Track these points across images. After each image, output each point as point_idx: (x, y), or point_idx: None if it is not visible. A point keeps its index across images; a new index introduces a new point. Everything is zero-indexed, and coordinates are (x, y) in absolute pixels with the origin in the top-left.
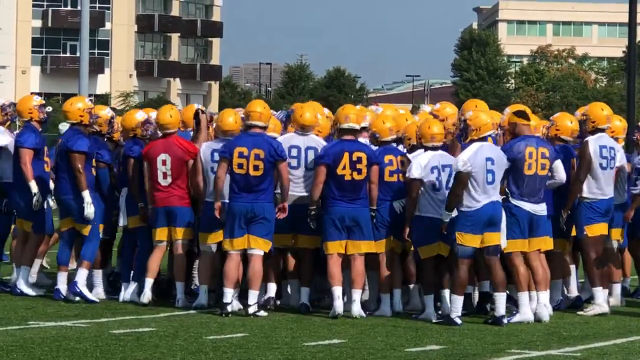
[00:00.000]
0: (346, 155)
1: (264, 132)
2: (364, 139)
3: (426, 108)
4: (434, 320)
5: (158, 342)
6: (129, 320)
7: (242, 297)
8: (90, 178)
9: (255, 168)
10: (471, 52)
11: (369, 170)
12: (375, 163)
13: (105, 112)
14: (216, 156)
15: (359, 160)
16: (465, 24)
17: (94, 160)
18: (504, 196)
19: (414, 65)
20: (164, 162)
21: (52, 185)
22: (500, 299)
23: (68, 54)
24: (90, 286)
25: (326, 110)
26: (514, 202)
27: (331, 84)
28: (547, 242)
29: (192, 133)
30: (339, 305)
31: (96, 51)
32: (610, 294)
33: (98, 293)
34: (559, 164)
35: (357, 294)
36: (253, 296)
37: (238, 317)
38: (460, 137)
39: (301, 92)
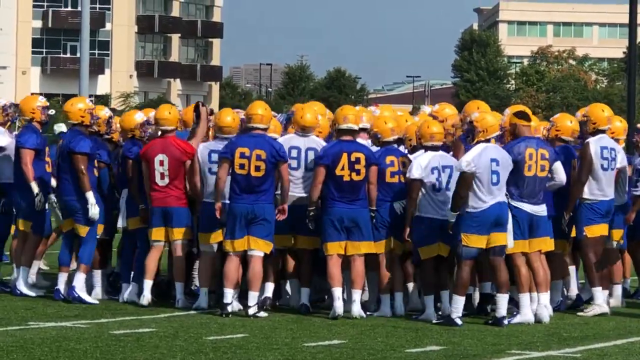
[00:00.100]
0: (344, 155)
1: (265, 133)
2: (362, 140)
3: (426, 109)
4: (434, 321)
5: (158, 342)
6: (129, 320)
7: (242, 297)
8: (93, 179)
9: (257, 169)
10: (471, 53)
11: (368, 170)
12: (373, 163)
13: (103, 112)
14: (214, 157)
15: (358, 160)
16: (465, 25)
17: (95, 160)
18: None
19: (414, 66)
20: (161, 163)
21: (53, 182)
22: (503, 299)
23: (68, 55)
24: (90, 286)
25: (327, 111)
26: (514, 203)
27: (331, 85)
28: (547, 243)
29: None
30: (339, 306)
31: (96, 52)
32: (610, 294)
33: (98, 293)
34: (558, 166)
35: (357, 294)
36: (253, 297)
37: (238, 318)
38: (465, 138)
39: (301, 92)
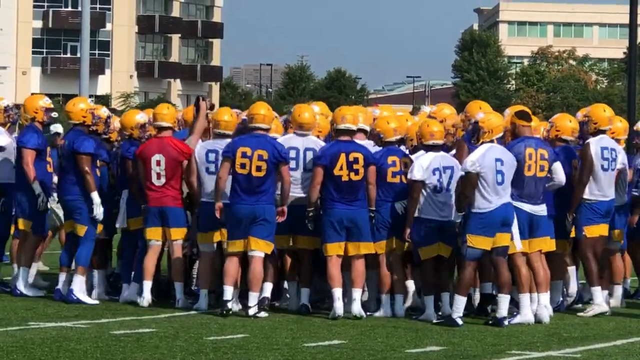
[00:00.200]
0: (342, 156)
1: (267, 134)
2: (360, 140)
3: (426, 109)
4: (434, 321)
5: (158, 343)
6: (129, 321)
7: (242, 297)
8: (96, 179)
9: (258, 169)
10: (472, 53)
11: (366, 170)
12: (372, 163)
13: (102, 112)
14: (211, 156)
15: (356, 160)
16: (465, 25)
17: (97, 160)
18: None
19: (414, 66)
20: (158, 163)
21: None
22: (504, 300)
23: (68, 55)
24: (90, 287)
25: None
26: (514, 203)
27: (332, 85)
28: (548, 243)
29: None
30: (339, 306)
31: (97, 52)
32: (610, 295)
33: (98, 294)
34: (558, 166)
35: (357, 293)
36: (253, 298)
37: (238, 318)
38: (469, 138)
39: (302, 93)
